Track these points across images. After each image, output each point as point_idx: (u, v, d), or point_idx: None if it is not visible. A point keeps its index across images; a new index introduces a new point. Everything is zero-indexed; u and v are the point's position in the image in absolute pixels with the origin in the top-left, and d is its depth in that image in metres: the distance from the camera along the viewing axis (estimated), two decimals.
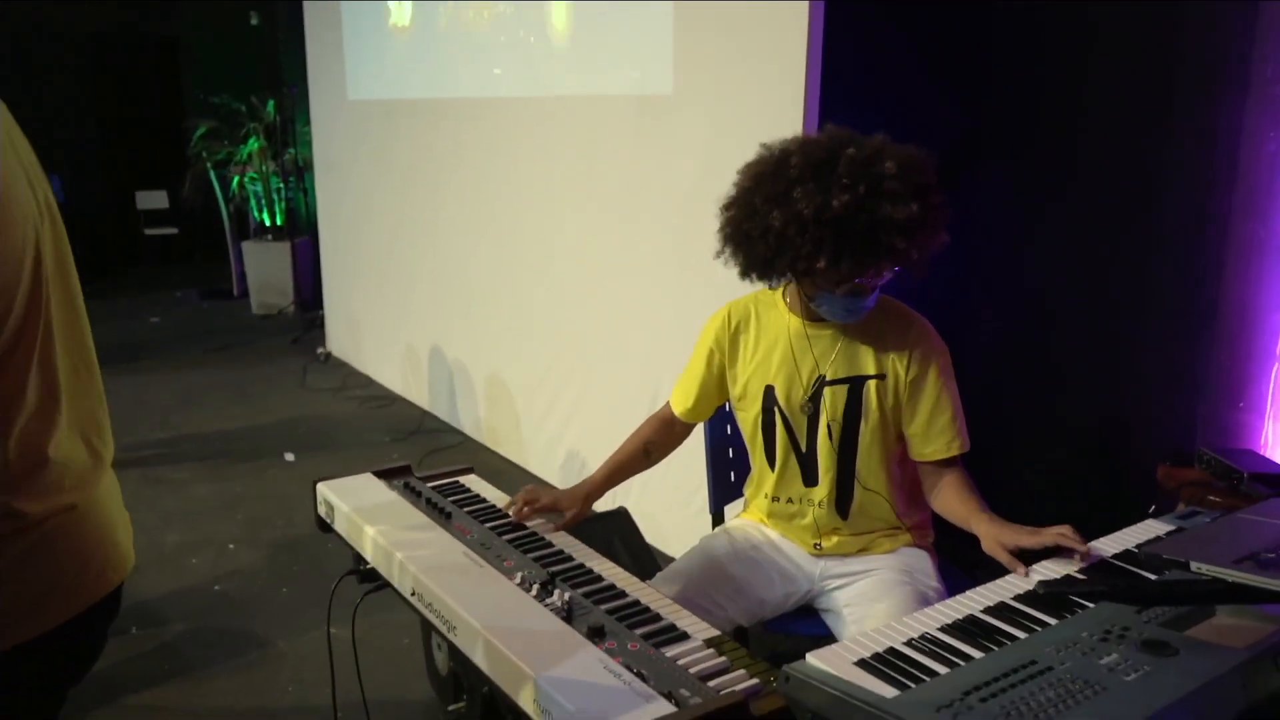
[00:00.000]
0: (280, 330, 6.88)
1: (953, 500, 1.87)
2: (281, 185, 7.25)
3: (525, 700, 1.44)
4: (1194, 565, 1.28)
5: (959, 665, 1.30)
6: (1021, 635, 1.39)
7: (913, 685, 1.24)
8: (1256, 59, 2.51)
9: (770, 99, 2.77)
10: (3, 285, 1.12)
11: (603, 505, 2.17)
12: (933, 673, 1.28)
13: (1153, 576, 1.56)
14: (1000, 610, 1.48)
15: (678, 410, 2.14)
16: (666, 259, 3.31)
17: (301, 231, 7.26)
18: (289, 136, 7.10)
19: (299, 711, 2.58)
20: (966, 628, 1.42)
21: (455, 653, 2.47)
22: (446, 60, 4.58)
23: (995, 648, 1.35)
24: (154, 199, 8.86)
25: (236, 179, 7.43)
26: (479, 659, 1.57)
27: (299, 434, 4.75)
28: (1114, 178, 2.83)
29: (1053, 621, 1.42)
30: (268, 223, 7.49)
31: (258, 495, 4.01)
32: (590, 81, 3.63)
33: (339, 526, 2.08)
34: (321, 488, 2.15)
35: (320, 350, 6.21)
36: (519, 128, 4.07)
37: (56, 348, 1.22)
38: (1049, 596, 1.43)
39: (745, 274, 1.88)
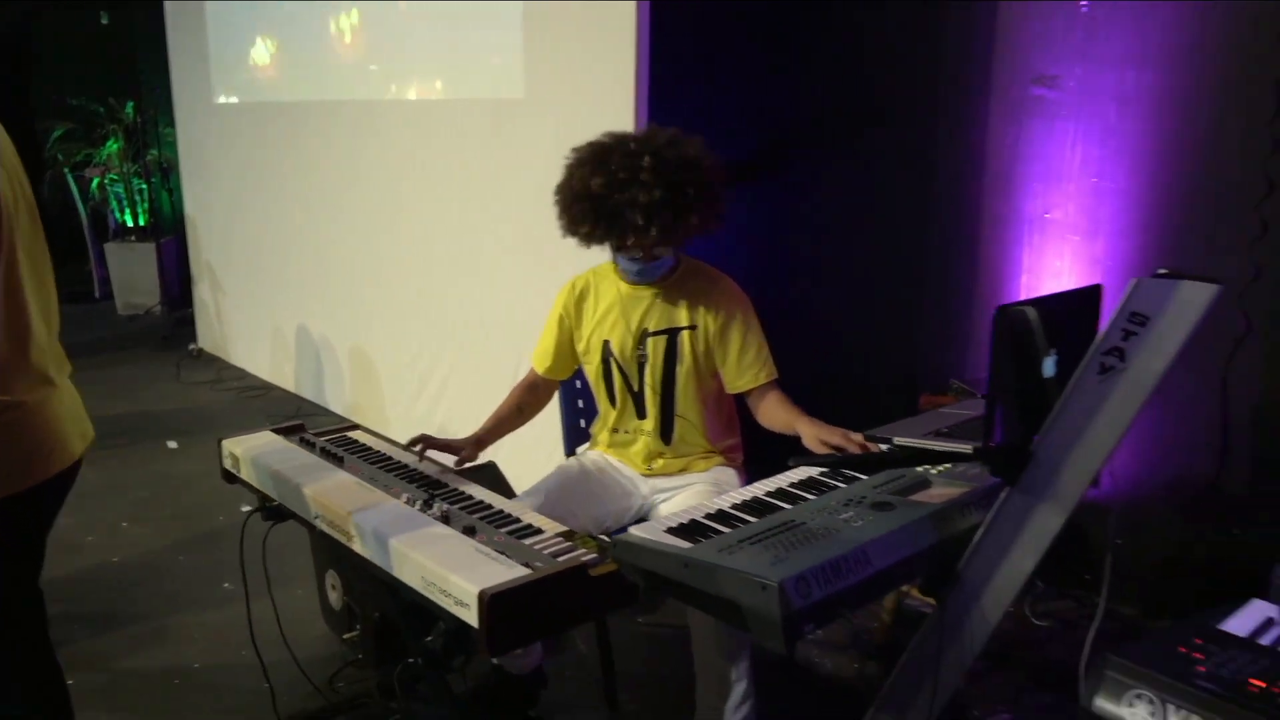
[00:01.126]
0: (149, 329, 6.95)
1: (777, 413, 2.33)
2: (144, 186, 7.30)
3: (416, 580, 1.83)
4: (895, 439, 1.78)
5: (739, 527, 1.76)
6: (789, 506, 1.86)
7: (704, 540, 1.70)
8: (995, 65, 3.10)
9: (606, 97, 3.19)
10: None
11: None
12: (720, 532, 1.74)
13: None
14: (777, 492, 1.95)
15: (540, 370, 2.56)
16: (525, 247, 3.71)
17: (166, 231, 7.33)
18: (150, 137, 7.17)
19: (207, 654, 2.88)
20: (751, 504, 1.89)
21: (349, 588, 2.85)
22: (319, 65, 4.85)
23: (769, 514, 1.82)
24: None
25: (96, 180, 7.43)
26: (377, 558, 1.94)
27: (179, 424, 4.95)
28: (896, 166, 3.39)
29: (813, 497, 1.91)
30: (130, 223, 7.52)
31: (145, 479, 4.22)
32: (454, 86, 4.00)
33: (245, 474, 2.41)
34: (226, 443, 2.47)
35: (192, 346, 6.35)
36: (389, 129, 4.39)
37: (28, 300, 1.60)
38: (798, 465, 1.91)
39: (573, 236, 2.34)
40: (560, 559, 1.83)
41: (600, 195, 2.19)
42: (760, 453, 2.50)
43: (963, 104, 3.18)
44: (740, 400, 2.45)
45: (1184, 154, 2.70)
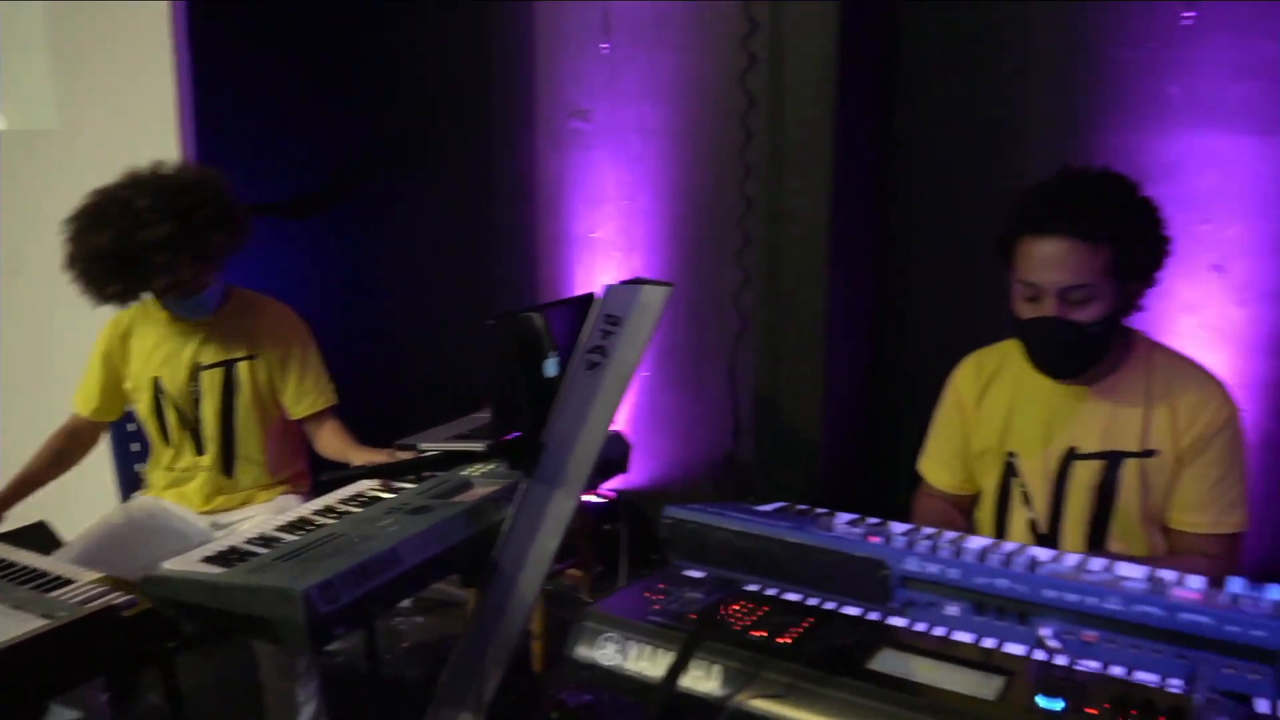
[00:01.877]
0: None
1: (333, 441, 2.40)
2: None
3: None
4: (421, 445, 1.92)
5: (277, 546, 1.80)
6: (334, 522, 1.93)
7: (239, 564, 1.72)
8: (538, 99, 3.39)
9: (148, 125, 3.07)
10: None
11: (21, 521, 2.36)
12: (257, 554, 1.77)
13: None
14: (324, 510, 2.01)
15: (84, 412, 2.42)
16: (72, 290, 3.44)
17: None
18: None
19: None
20: (296, 524, 1.93)
21: None
22: None
23: (312, 531, 1.88)
24: None
25: None
26: None
27: None
28: (458, 192, 3.59)
29: (360, 510, 1.99)
30: None
31: None
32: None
33: None
34: None
35: None
36: None
37: None
38: (332, 483, 2.00)
39: (105, 303, 2.24)
40: (91, 605, 1.76)
41: (112, 251, 2.12)
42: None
43: (512, 135, 3.44)
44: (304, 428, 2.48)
45: (690, 178, 3.13)
